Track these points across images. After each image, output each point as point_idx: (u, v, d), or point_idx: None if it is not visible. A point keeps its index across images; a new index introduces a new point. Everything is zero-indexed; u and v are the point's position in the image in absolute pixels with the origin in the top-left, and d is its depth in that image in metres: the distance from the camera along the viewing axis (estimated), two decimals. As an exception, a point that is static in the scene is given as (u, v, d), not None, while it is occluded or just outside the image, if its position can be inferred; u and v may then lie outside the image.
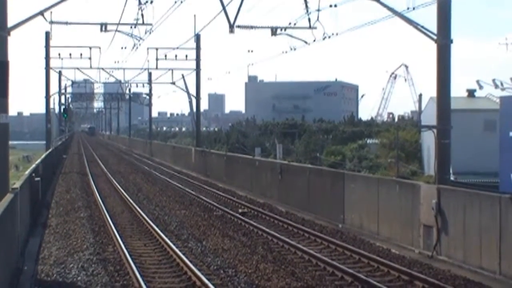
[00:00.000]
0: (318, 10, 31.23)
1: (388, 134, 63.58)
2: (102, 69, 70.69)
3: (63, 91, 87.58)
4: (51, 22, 44.45)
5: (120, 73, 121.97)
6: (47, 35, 61.42)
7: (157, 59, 62.56)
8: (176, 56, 61.07)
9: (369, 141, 70.35)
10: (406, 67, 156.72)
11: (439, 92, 22.22)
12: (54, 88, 75.91)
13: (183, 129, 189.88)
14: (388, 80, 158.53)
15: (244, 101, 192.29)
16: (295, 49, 35.80)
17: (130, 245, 21.76)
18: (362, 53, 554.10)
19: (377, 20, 26.45)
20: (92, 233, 24.25)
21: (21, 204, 20.28)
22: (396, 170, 37.59)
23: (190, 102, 64.89)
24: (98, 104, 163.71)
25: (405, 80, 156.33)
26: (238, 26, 33.41)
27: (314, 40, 32.82)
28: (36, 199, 27.84)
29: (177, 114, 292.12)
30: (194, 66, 60.71)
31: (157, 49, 62.31)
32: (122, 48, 53.12)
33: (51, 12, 39.81)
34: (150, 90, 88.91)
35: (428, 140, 44.82)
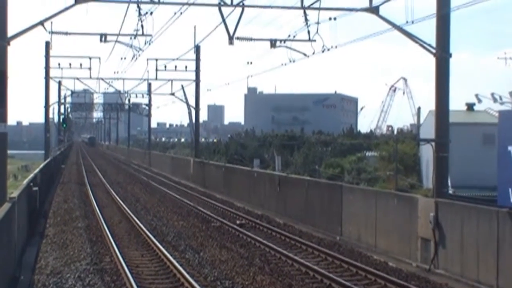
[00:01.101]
0: (318, 23, 31.29)
1: (387, 147, 63.65)
2: (102, 79, 70.76)
3: (62, 101, 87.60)
4: (51, 32, 44.63)
5: (120, 83, 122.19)
6: (47, 45, 61.54)
7: (156, 70, 62.68)
8: (175, 67, 61.25)
9: (368, 153, 70.37)
10: (405, 80, 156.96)
11: (438, 105, 22.25)
12: (53, 97, 76.05)
13: (182, 140, 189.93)
14: (388, 93, 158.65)
15: (243, 113, 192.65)
16: (294, 61, 35.85)
17: (127, 255, 21.71)
18: (361, 66, 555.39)
19: (377, 33, 26.52)
20: (90, 243, 24.21)
21: (19, 214, 20.26)
22: (394, 183, 37.61)
23: (189, 113, 64.83)
24: (97, 114, 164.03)
25: (404, 93, 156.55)
26: (238, 38, 33.46)
27: (314, 53, 32.88)
28: (33, 209, 27.82)
29: (176, 125, 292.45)
30: (194, 77, 60.80)
31: (156, 59, 62.46)
32: (121, 58, 53.23)
33: (51, 22, 39.99)
34: (150, 100, 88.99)
35: (427, 153, 44.86)
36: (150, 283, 18.12)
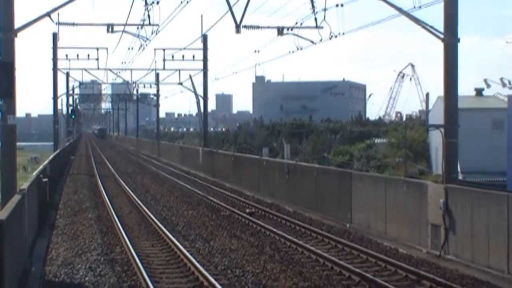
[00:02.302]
0: (325, 9, 31.21)
1: (396, 133, 63.58)
2: (110, 70, 70.72)
3: (70, 92, 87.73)
4: (58, 23, 44.60)
5: (128, 74, 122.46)
6: (54, 36, 61.53)
7: (164, 60, 62.55)
8: (183, 56, 61.08)
9: (377, 140, 70.36)
10: (413, 66, 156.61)
11: (446, 91, 22.15)
12: (61, 89, 76.06)
13: (191, 129, 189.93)
14: (396, 79, 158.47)
15: (251, 102, 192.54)
16: (301, 49, 35.75)
17: (138, 245, 21.77)
18: (369, 53, 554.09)
19: (384, 19, 26.39)
20: (100, 233, 24.28)
21: (29, 205, 20.31)
22: (404, 169, 37.54)
23: (198, 103, 64.78)
24: (105, 105, 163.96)
25: (411, 79, 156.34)
26: (245, 26, 33.40)
27: (321, 40, 32.79)
28: (43, 200, 27.88)
29: (185, 115, 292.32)
30: (201, 67, 60.70)
31: (164, 49, 62.33)
32: (129, 48, 53.16)
33: (58, 13, 39.94)
34: (158, 90, 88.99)
35: (436, 140, 44.75)
36: (161, 272, 18.16)
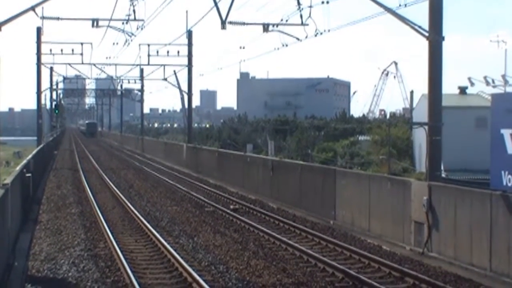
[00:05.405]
0: (310, 6, 31.28)
1: (379, 131, 63.71)
2: (94, 65, 70.52)
3: (54, 87, 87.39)
4: (43, 18, 44.42)
5: (112, 69, 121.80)
6: (39, 30, 61.22)
7: (149, 55, 62.50)
8: (168, 52, 61.07)
9: (360, 138, 70.50)
10: (396, 64, 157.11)
11: (431, 89, 22.23)
12: (45, 84, 75.59)
13: (175, 125, 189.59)
14: (380, 77, 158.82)
15: (236, 98, 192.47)
16: (287, 45, 35.81)
17: (121, 241, 21.71)
18: (354, 50, 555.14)
19: (369, 16, 26.47)
20: (83, 229, 24.19)
21: (12, 200, 20.23)
22: (388, 167, 37.70)
23: (182, 98, 64.84)
24: (89, 100, 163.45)
25: (395, 77, 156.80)
26: (230, 22, 33.40)
27: (306, 37, 32.87)
28: (27, 195, 27.77)
29: (169, 111, 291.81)
30: (186, 62, 60.63)
31: (149, 45, 62.32)
32: (113, 44, 53.08)
33: (42, 8, 39.75)
34: (142, 86, 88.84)
35: (420, 137, 44.93)
36: (145, 268, 18.12)
